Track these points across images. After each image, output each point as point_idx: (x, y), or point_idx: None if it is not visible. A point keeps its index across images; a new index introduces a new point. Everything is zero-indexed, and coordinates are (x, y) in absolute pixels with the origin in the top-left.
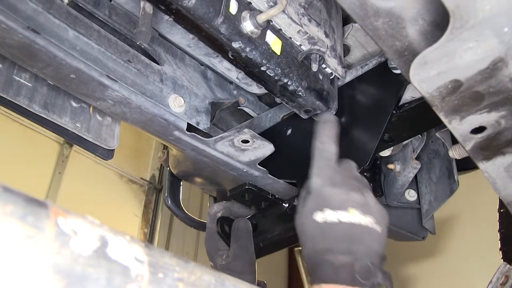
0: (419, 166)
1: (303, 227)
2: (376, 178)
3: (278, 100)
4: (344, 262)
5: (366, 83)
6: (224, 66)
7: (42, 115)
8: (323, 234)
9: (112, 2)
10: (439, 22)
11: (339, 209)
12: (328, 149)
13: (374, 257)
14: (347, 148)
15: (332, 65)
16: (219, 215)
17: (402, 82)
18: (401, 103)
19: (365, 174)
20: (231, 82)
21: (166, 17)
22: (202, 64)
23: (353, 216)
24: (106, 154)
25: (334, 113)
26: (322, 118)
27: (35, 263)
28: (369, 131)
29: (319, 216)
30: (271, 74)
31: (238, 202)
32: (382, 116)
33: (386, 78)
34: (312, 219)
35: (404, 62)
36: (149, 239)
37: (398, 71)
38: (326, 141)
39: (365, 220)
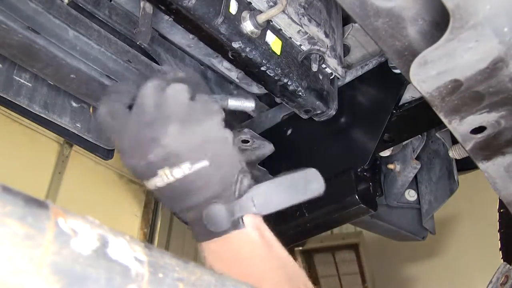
0: (419, 166)
1: None
2: (376, 178)
3: (278, 100)
4: (192, 218)
5: (366, 83)
6: (224, 66)
7: (42, 115)
8: (162, 199)
9: (112, 2)
10: (439, 22)
11: (150, 177)
12: (99, 113)
13: (220, 191)
14: (347, 148)
15: (332, 65)
16: None
17: (402, 82)
18: (401, 103)
19: (364, 174)
20: (231, 82)
21: (166, 17)
22: (202, 64)
23: (166, 177)
24: (106, 154)
25: (334, 113)
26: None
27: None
28: (369, 130)
29: (147, 186)
30: (271, 74)
31: None
32: (382, 116)
33: (386, 78)
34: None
35: (404, 62)
36: (149, 239)
37: (398, 71)
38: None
39: (179, 172)
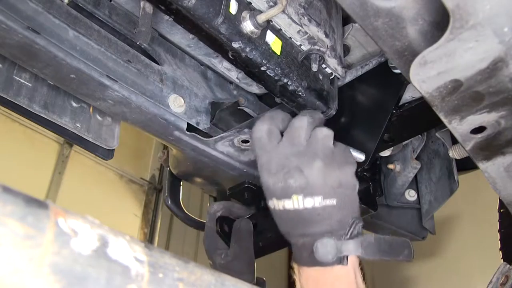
0: (419, 166)
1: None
2: (375, 178)
3: (278, 100)
4: (302, 243)
5: (366, 83)
6: (224, 66)
7: (42, 115)
8: (279, 219)
9: (112, 2)
10: (439, 22)
11: (282, 198)
12: (259, 128)
13: (336, 229)
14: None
15: (332, 65)
16: (218, 214)
17: (402, 81)
18: (401, 103)
19: (364, 174)
20: (231, 82)
21: (166, 17)
22: (202, 64)
23: (296, 202)
24: (106, 154)
25: (334, 113)
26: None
27: (35, 263)
28: (369, 130)
29: (271, 203)
30: (271, 74)
31: (237, 202)
32: (382, 116)
33: (386, 78)
34: (269, 206)
35: (404, 62)
36: (149, 239)
37: (398, 71)
38: (259, 123)
39: (310, 202)
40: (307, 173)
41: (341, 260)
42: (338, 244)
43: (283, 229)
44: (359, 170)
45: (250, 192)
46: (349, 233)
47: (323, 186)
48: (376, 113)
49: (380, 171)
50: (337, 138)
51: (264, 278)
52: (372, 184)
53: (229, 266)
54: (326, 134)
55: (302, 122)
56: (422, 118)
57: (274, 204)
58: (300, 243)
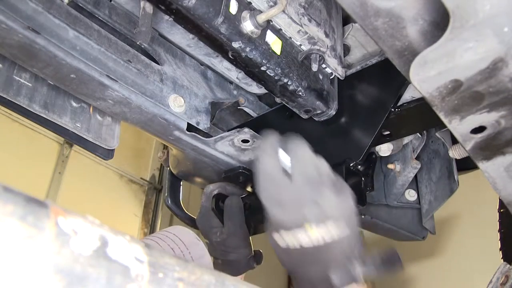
0: (419, 166)
1: (272, 245)
2: (368, 172)
3: (278, 100)
4: (320, 277)
5: (365, 80)
6: (224, 66)
7: (42, 115)
8: (289, 256)
9: (112, 2)
10: (439, 22)
11: (294, 228)
12: (268, 163)
13: (349, 259)
14: (342, 142)
15: (332, 65)
16: (214, 193)
17: (401, 81)
18: (400, 102)
19: (358, 167)
20: (231, 82)
21: (166, 17)
22: (202, 64)
23: (312, 234)
24: (106, 154)
25: (334, 113)
26: (262, 141)
27: (35, 263)
28: (366, 127)
29: (279, 239)
30: (271, 74)
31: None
32: (380, 113)
33: (385, 76)
34: (274, 242)
35: (404, 62)
36: None
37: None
38: (265, 157)
39: (326, 232)
40: (322, 201)
41: (354, 279)
42: (352, 267)
43: (294, 266)
44: (351, 164)
45: (244, 176)
46: (355, 262)
47: (338, 212)
48: (374, 109)
49: (375, 166)
50: (334, 133)
51: (261, 250)
52: (364, 179)
53: (225, 243)
54: (327, 165)
55: (306, 152)
56: (421, 117)
57: (285, 239)
58: (315, 277)
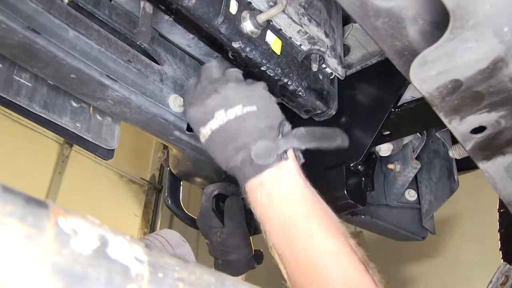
0: (419, 166)
1: (204, 147)
2: (369, 172)
3: (278, 100)
4: (241, 160)
5: (366, 81)
6: None
7: (42, 115)
8: (211, 148)
9: (112, 2)
10: (439, 22)
11: (207, 120)
12: (191, 80)
13: (266, 133)
14: None
15: (332, 65)
16: (215, 193)
17: (401, 81)
18: (400, 102)
19: (358, 167)
20: None
21: (166, 17)
22: (202, 64)
23: (220, 118)
24: (106, 154)
25: (334, 112)
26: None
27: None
28: (366, 127)
29: (201, 137)
30: (271, 74)
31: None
32: (380, 113)
33: (385, 76)
34: (201, 142)
35: (404, 62)
36: None
37: None
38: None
39: (232, 113)
40: (223, 92)
41: (281, 156)
42: (274, 144)
43: (219, 156)
44: (351, 164)
45: None
46: (279, 133)
47: (239, 97)
48: (375, 109)
49: (375, 166)
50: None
51: (261, 250)
52: (364, 179)
53: (225, 243)
54: (237, 70)
55: (212, 62)
56: (421, 117)
57: (203, 133)
58: (239, 161)
